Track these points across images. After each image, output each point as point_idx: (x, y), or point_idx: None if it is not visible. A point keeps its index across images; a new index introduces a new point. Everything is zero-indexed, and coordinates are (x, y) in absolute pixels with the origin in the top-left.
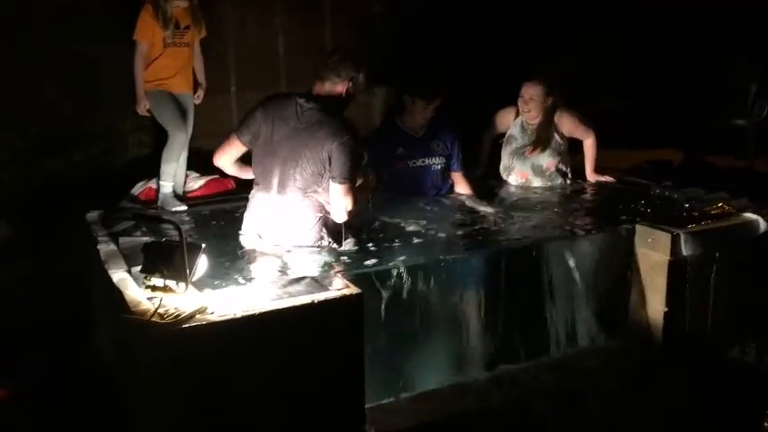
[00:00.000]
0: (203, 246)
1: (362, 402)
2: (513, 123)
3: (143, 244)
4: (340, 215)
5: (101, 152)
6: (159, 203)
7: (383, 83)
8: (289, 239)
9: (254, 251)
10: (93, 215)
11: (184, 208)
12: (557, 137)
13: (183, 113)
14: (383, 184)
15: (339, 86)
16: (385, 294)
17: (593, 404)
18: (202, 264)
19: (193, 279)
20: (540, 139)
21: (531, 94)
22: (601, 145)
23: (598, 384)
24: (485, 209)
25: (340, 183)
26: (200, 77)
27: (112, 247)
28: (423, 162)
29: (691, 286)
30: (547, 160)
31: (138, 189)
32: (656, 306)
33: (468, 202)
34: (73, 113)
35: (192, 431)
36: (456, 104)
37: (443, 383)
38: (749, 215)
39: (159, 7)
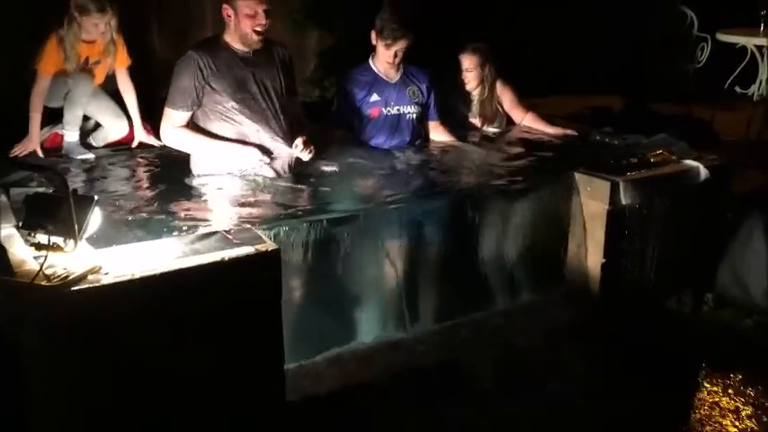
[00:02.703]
0: (96, 198)
1: (281, 365)
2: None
3: (24, 196)
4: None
5: (6, 94)
6: (63, 152)
7: (319, 24)
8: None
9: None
10: None
11: (92, 156)
12: (500, 110)
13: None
14: (353, 132)
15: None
16: (305, 249)
17: (530, 359)
18: (95, 218)
19: (85, 236)
20: (486, 114)
21: (469, 64)
22: (541, 92)
23: (535, 338)
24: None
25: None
26: (134, 115)
27: (2, 199)
28: (398, 110)
29: (630, 236)
30: (492, 132)
31: (42, 135)
32: (594, 257)
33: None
34: None
35: (87, 402)
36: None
37: (370, 342)
38: (690, 162)
39: (63, 42)
